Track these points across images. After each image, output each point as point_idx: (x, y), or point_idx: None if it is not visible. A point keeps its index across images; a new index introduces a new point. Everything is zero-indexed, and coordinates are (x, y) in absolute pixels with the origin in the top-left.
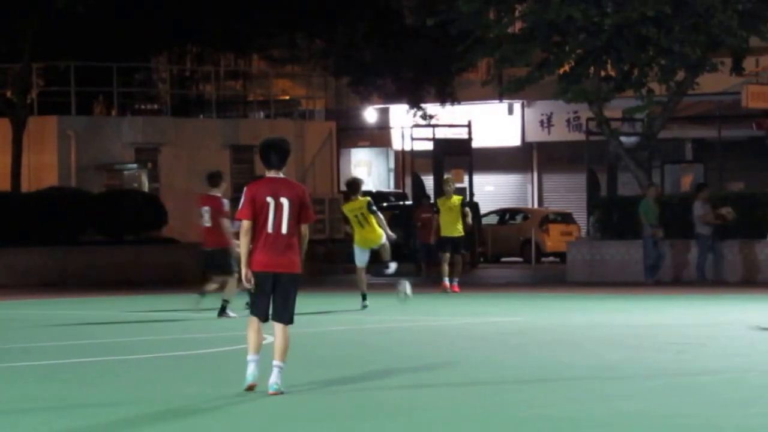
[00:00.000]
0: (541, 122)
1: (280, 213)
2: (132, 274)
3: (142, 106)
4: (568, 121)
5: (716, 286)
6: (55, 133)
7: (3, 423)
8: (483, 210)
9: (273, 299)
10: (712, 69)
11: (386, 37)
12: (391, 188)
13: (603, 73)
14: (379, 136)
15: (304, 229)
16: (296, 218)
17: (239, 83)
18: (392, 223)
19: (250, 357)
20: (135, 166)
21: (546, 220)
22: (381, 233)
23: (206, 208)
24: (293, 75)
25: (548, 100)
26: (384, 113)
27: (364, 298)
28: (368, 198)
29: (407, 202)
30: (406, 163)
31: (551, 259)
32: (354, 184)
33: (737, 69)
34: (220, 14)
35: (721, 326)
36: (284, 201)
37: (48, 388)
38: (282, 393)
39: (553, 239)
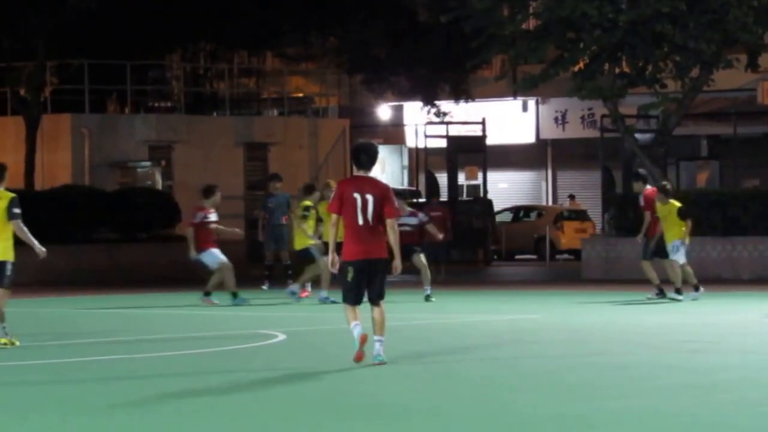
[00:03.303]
0: (556, 119)
1: (366, 207)
2: (145, 273)
3: (156, 104)
4: (582, 118)
5: (730, 284)
6: (69, 131)
7: (15, 422)
8: (497, 207)
9: (367, 283)
10: (728, 65)
11: (400, 34)
12: (405, 186)
13: (618, 70)
14: (392, 134)
15: (390, 223)
16: (380, 211)
17: (253, 81)
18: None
19: (355, 323)
20: (148, 164)
21: (560, 217)
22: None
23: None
24: (307, 72)
25: (563, 97)
26: (398, 110)
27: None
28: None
29: (421, 200)
30: (420, 161)
31: (565, 256)
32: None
33: (753, 65)
34: (234, 12)
35: (735, 324)
36: (369, 197)
37: (59, 387)
38: (385, 363)
39: (568, 236)
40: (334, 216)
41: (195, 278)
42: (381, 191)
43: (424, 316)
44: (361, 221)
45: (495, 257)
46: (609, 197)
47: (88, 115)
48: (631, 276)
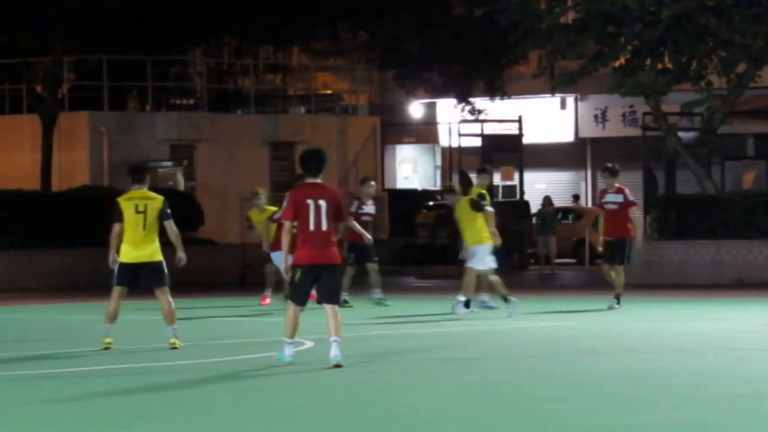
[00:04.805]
0: (596, 117)
1: (319, 213)
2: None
3: (178, 101)
4: (623, 115)
5: None
6: (87, 129)
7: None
8: (534, 209)
9: (321, 286)
10: None
11: (433, 28)
12: (438, 186)
13: (660, 66)
14: (425, 132)
15: (341, 227)
16: (333, 217)
17: (279, 77)
18: (438, 223)
19: (291, 341)
20: (170, 163)
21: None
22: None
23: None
24: (335, 68)
25: (603, 94)
26: (430, 108)
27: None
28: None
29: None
30: (454, 160)
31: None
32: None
33: None
34: (259, 5)
35: None
36: (322, 203)
37: (79, 395)
38: (341, 366)
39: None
40: (287, 223)
41: (220, 283)
42: (333, 197)
43: (458, 323)
44: (312, 227)
45: (532, 261)
46: (651, 199)
47: (107, 113)
48: (674, 281)
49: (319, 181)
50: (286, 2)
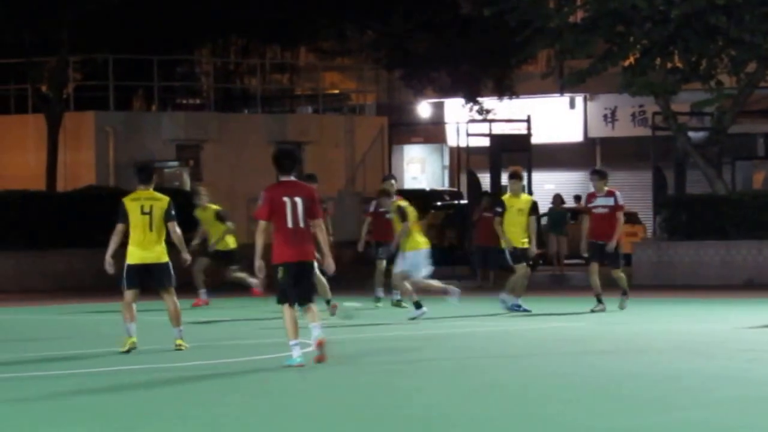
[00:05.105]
0: (605, 117)
1: (296, 210)
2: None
3: (184, 101)
4: (633, 115)
5: None
6: (93, 129)
7: None
8: (543, 209)
9: (298, 284)
10: None
11: (441, 27)
12: (446, 186)
13: (670, 65)
14: (433, 132)
15: (317, 223)
16: (308, 214)
17: (286, 77)
18: (446, 223)
19: (295, 341)
20: (176, 163)
21: None
22: None
23: None
24: (343, 68)
25: (612, 94)
26: (438, 108)
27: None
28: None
29: (462, 201)
30: (462, 160)
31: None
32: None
33: None
34: (266, 4)
35: None
36: (298, 200)
37: (84, 398)
38: (324, 340)
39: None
40: (262, 222)
41: (225, 284)
42: (308, 194)
43: (466, 324)
44: (290, 224)
45: (540, 262)
46: (661, 199)
47: (113, 113)
48: (684, 281)
49: (293, 179)
50: (293, 2)
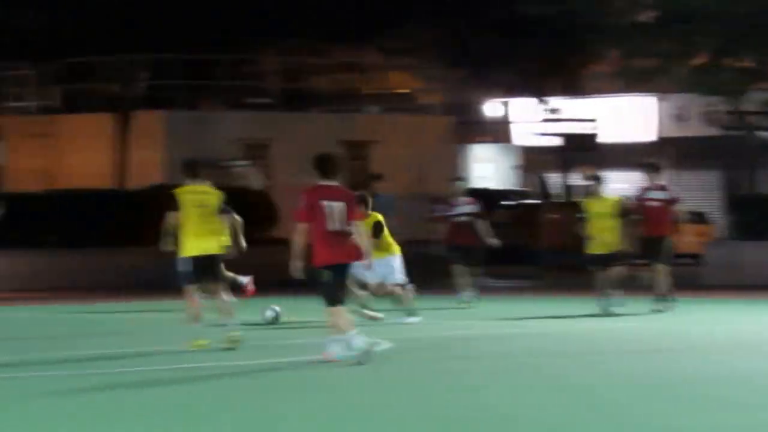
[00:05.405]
0: (675, 116)
1: (334, 213)
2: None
3: (251, 100)
4: (703, 114)
5: None
6: (160, 128)
7: None
8: None
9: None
10: None
11: (508, 26)
12: (513, 186)
13: (740, 65)
14: (500, 131)
15: (357, 225)
16: (348, 216)
17: (352, 76)
18: (515, 222)
19: (353, 333)
20: (244, 162)
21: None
22: None
23: None
24: (409, 67)
25: (682, 93)
26: (506, 107)
27: None
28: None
29: (529, 201)
30: (530, 160)
31: (684, 261)
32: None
33: None
34: (332, 4)
35: None
36: (337, 204)
37: (144, 396)
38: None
39: (686, 240)
40: (301, 224)
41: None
42: (346, 198)
43: (530, 324)
44: (329, 227)
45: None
46: (731, 199)
47: (181, 112)
48: (755, 281)
49: (332, 183)
50: (359, 1)
